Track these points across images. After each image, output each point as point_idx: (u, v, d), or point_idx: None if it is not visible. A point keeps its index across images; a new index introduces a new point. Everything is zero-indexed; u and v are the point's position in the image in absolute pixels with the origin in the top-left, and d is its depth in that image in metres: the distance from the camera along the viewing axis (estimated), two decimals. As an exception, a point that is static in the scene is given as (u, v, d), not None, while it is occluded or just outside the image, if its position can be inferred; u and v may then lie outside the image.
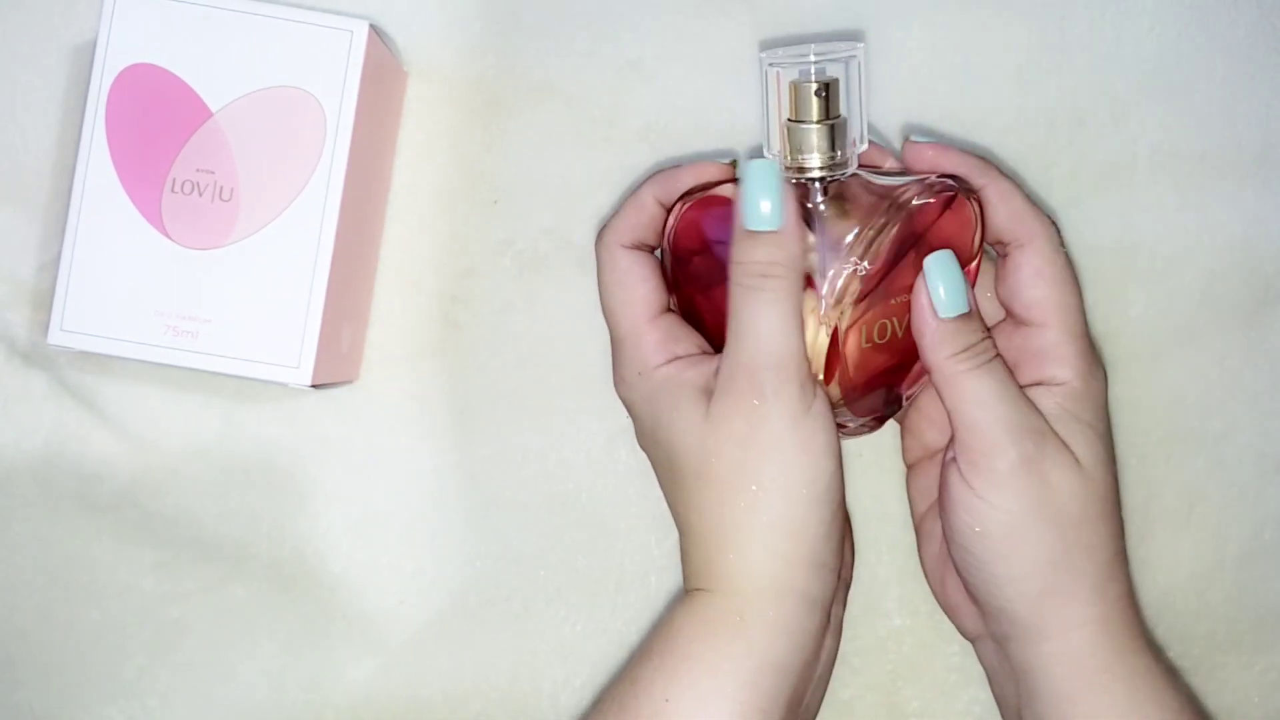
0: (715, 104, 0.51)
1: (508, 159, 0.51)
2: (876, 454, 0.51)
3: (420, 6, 0.50)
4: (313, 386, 0.44)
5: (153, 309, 0.44)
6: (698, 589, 0.41)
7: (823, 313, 0.41)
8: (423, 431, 0.50)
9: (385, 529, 0.50)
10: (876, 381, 0.43)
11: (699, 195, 0.43)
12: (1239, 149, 0.51)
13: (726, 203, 0.43)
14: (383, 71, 0.47)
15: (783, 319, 0.40)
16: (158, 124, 0.44)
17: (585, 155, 0.51)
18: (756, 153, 0.44)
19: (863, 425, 0.45)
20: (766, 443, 0.40)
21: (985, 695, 0.50)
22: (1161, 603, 0.51)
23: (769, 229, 0.40)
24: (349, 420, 0.50)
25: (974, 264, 0.43)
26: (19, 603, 0.49)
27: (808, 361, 0.41)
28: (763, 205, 0.40)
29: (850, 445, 0.50)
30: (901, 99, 0.51)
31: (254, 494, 0.50)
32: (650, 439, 0.43)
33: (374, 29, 0.45)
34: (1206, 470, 0.51)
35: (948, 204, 0.42)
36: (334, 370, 0.47)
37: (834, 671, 0.47)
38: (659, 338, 0.43)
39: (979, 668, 0.48)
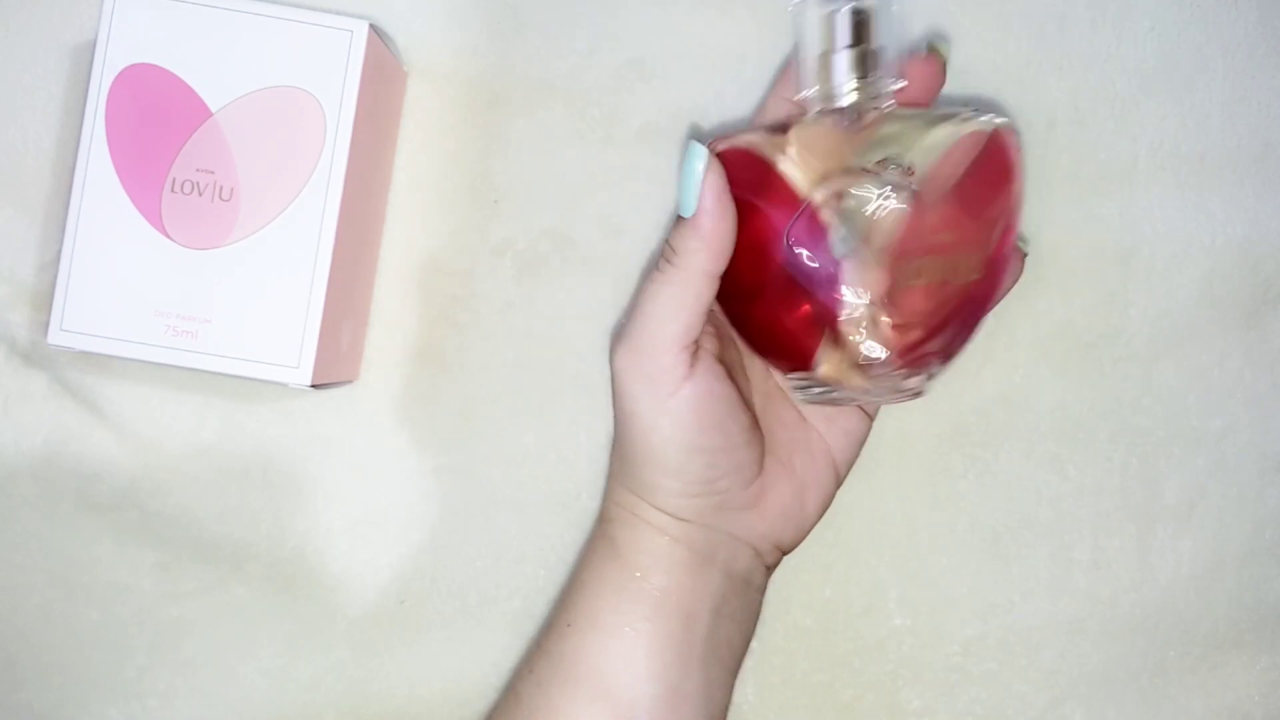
0: (715, 104, 0.51)
1: (508, 159, 0.51)
2: (876, 454, 0.51)
3: (420, 6, 0.50)
4: (313, 386, 0.44)
5: (152, 309, 0.44)
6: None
7: (862, 257, 0.38)
8: (423, 431, 0.50)
9: (385, 529, 0.50)
10: (926, 331, 0.40)
11: (725, 147, 0.41)
12: (1239, 149, 0.51)
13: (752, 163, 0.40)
14: (383, 71, 0.47)
15: (666, 304, 0.41)
16: (157, 124, 0.44)
17: (585, 155, 0.51)
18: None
19: (902, 388, 0.41)
20: (631, 415, 0.42)
21: (985, 695, 0.50)
22: (1163, 602, 0.51)
23: (684, 215, 0.41)
24: (349, 420, 0.50)
25: (1014, 188, 0.40)
26: (19, 603, 0.49)
27: (687, 347, 0.41)
28: (685, 191, 0.40)
29: (850, 445, 0.51)
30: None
31: (254, 494, 0.50)
32: None
33: (374, 29, 0.45)
34: (1207, 470, 0.51)
35: (985, 137, 0.40)
36: (334, 370, 0.47)
37: (834, 673, 0.46)
38: None
39: (979, 668, 0.48)
